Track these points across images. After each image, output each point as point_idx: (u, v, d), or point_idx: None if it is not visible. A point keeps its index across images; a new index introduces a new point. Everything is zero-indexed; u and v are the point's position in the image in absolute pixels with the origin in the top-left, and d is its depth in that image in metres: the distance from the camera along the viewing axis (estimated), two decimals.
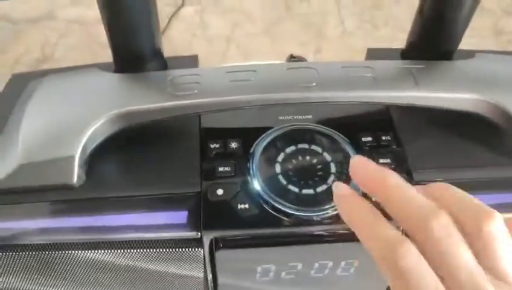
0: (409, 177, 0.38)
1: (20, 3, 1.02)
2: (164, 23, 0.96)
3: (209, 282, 0.41)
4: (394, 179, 0.27)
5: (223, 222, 0.36)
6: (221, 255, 0.38)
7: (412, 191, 0.27)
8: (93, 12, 0.39)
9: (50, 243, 0.37)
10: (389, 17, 0.94)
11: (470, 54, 0.45)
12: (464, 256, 0.24)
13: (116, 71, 0.44)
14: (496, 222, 0.25)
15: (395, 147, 0.41)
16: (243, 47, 0.94)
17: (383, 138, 0.41)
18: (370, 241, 0.26)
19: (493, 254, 0.24)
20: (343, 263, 0.40)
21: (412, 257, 0.23)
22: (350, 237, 0.37)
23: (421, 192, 0.27)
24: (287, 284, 0.42)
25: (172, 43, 0.93)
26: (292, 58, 0.52)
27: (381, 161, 0.39)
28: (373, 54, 0.49)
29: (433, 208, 0.25)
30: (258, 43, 0.95)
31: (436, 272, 0.24)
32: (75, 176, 0.37)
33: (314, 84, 0.39)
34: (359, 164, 0.29)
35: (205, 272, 0.40)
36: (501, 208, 0.38)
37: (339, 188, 0.29)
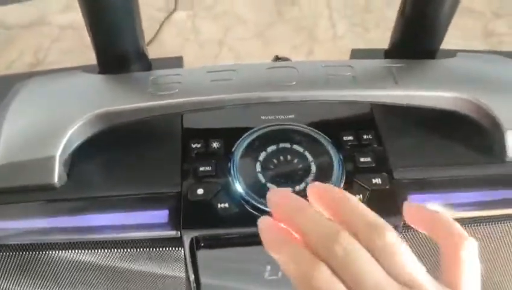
0: (390, 176, 0.39)
1: (13, 9, 1.02)
2: (156, 28, 0.96)
3: (191, 282, 0.41)
4: (289, 204, 0.29)
5: (203, 221, 0.36)
6: (202, 254, 0.38)
7: (313, 214, 0.28)
8: None
9: (31, 244, 0.37)
10: (380, 20, 0.94)
11: (451, 54, 0.45)
12: (370, 270, 0.25)
13: (101, 73, 0.44)
14: (388, 235, 0.26)
15: (376, 145, 0.41)
16: (235, 50, 0.94)
17: (364, 136, 0.41)
18: (287, 265, 0.27)
19: (396, 264, 0.26)
20: None
21: (323, 277, 0.25)
22: None
23: (323, 206, 0.29)
24: (270, 284, 0.42)
25: (164, 48, 0.93)
26: (277, 59, 0.52)
27: (362, 159, 0.40)
28: (357, 54, 0.49)
29: (332, 229, 0.27)
30: (250, 46, 0.96)
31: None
32: (56, 176, 0.37)
33: (294, 83, 0.39)
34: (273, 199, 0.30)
35: (187, 272, 0.40)
36: (481, 205, 0.38)
37: (261, 222, 0.30)
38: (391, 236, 0.26)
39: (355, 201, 0.29)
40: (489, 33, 1.02)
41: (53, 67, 0.51)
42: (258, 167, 0.39)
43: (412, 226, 0.30)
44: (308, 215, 0.28)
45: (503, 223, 0.39)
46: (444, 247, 0.28)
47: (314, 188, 0.30)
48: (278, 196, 0.30)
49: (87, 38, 0.42)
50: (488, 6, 1.06)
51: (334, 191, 0.29)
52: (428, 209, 0.30)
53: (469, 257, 0.27)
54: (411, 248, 0.39)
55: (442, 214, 0.29)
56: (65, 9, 1.03)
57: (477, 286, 0.27)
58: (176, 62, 0.48)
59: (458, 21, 1.08)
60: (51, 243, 0.37)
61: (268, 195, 0.30)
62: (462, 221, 0.38)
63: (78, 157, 0.39)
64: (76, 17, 1.04)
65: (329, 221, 0.28)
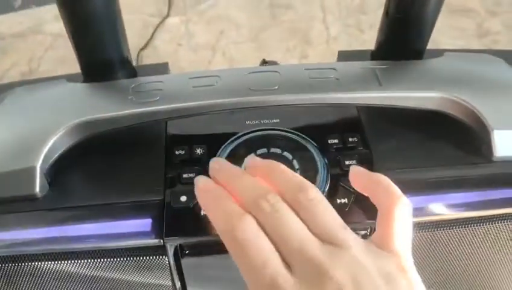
0: None
1: (7, 18, 1.03)
2: (149, 34, 0.96)
3: None
4: (229, 171, 0.33)
5: (186, 228, 0.36)
6: (187, 262, 0.37)
7: (247, 178, 0.31)
8: None
9: (13, 255, 0.36)
10: (374, 21, 0.94)
11: (439, 54, 0.45)
12: (295, 228, 0.27)
13: (85, 81, 0.44)
14: (310, 192, 0.28)
15: (361, 148, 0.40)
16: (229, 55, 0.94)
17: (350, 139, 0.41)
18: (216, 219, 0.29)
19: (319, 221, 0.27)
20: None
21: (249, 229, 0.27)
22: None
23: (253, 174, 0.32)
24: None
25: (157, 53, 0.93)
26: (265, 62, 0.52)
27: (347, 162, 0.39)
28: (343, 56, 0.49)
29: (263, 190, 0.29)
30: (243, 50, 0.96)
31: (275, 246, 0.27)
32: (38, 186, 0.37)
33: (276, 87, 0.39)
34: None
35: (173, 280, 0.39)
36: (469, 206, 0.38)
37: (198, 180, 0.33)
38: (314, 193, 0.28)
39: (283, 167, 0.31)
40: (484, 32, 1.01)
41: (47, 76, 0.50)
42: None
43: (357, 190, 0.33)
44: (243, 179, 0.31)
45: (493, 223, 0.38)
46: (379, 207, 0.30)
47: (251, 160, 0.34)
48: (219, 164, 0.33)
49: None
50: (483, 4, 1.05)
51: (267, 161, 0.32)
52: (370, 173, 0.32)
53: (401, 214, 0.28)
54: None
55: (381, 176, 0.31)
56: (59, 18, 1.03)
57: (408, 244, 0.28)
58: (162, 68, 0.48)
59: (452, 20, 1.07)
60: (33, 255, 0.36)
61: (210, 163, 0.34)
62: (451, 222, 0.38)
63: (60, 167, 0.38)
64: None
65: (261, 184, 0.30)
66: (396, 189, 0.30)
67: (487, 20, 1.02)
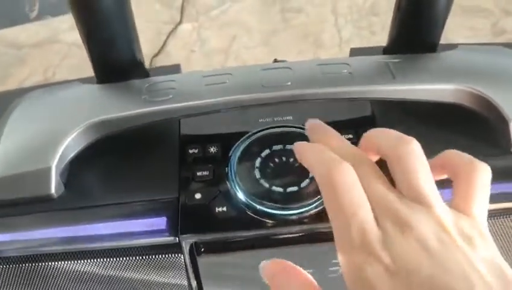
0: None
1: (23, 29, 1.05)
2: (162, 41, 0.97)
3: (194, 289, 0.40)
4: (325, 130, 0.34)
5: (201, 226, 0.36)
6: (203, 260, 0.37)
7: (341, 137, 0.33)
8: None
9: (30, 255, 0.37)
10: (386, 23, 0.93)
11: (452, 47, 0.44)
12: (385, 185, 0.28)
13: (98, 83, 0.44)
14: (412, 144, 0.29)
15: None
16: (241, 59, 0.94)
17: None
18: (315, 163, 0.30)
19: (409, 175, 0.28)
20: (329, 265, 0.39)
21: (346, 174, 0.27)
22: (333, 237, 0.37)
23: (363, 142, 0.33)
24: None
25: (170, 60, 0.94)
26: (276, 62, 0.52)
27: None
28: (356, 53, 0.49)
29: (359, 151, 0.31)
30: (256, 54, 0.96)
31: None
32: (53, 186, 0.37)
33: (289, 83, 0.39)
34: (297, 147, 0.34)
35: (188, 279, 0.39)
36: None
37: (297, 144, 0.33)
38: (416, 145, 0.29)
39: (383, 129, 0.32)
40: (498, 31, 1.00)
41: None
42: (256, 170, 0.38)
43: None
44: (341, 138, 0.33)
45: (509, 216, 0.37)
46: (458, 174, 0.29)
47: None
48: (314, 124, 0.35)
49: None
50: (497, 3, 1.04)
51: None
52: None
53: (482, 180, 0.28)
54: None
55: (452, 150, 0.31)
56: (73, 28, 1.04)
57: (486, 211, 0.28)
58: (174, 70, 0.48)
59: (467, 20, 1.06)
60: (50, 254, 0.37)
61: (306, 123, 0.36)
62: None
63: (75, 167, 0.39)
64: None
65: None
66: (474, 158, 0.30)
67: (502, 19, 1.01)
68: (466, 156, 0.30)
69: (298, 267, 0.30)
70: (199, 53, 0.96)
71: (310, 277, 0.29)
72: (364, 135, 0.33)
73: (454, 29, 0.98)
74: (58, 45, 1.01)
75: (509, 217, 0.37)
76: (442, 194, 0.31)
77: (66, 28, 1.04)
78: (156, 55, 0.93)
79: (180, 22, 1.02)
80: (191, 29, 1.02)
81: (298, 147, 0.33)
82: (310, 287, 0.28)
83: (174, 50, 0.97)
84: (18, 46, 1.02)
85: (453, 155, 0.31)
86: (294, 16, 1.05)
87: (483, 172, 0.29)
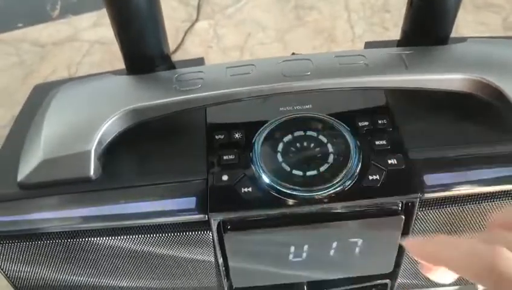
0: (405, 156, 0.40)
1: (46, 27, 1.08)
2: (180, 38, 1.00)
3: (220, 266, 0.43)
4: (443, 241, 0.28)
5: (228, 204, 0.39)
6: (229, 237, 0.40)
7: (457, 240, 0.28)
8: (113, 34, 0.43)
9: (72, 231, 0.40)
10: (398, 19, 0.95)
11: (462, 40, 0.47)
12: None
13: (128, 75, 0.47)
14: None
15: (391, 129, 0.43)
16: (257, 54, 0.97)
17: (379, 121, 0.43)
18: (461, 265, 0.26)
19: None
20: (347, 243, 0.42)
21: (508, 255, 0.25)
22: (352, 215, 0.40)
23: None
24: (295, 266, 0.44)
25: (188, 56, 0.96)
26: (293, 55, 0.54)
27: (377, 142, 0.41)
28: (371, 46, 0.51)
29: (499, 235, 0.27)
30: (271, 50, 0.98)
31: None
32: (92, 169, 0.40)
33: (309, 73, 0.41)
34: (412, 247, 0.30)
35: (215, 256, 0.42)
36: (494, 181, 0.39)
37: (408, 244, 0.30)
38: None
39: None
40: (509, 26, 1.01)
41: None
42: (278, 153, 0.41)
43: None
44: (461, 241, 0.27)
45: None
46: None
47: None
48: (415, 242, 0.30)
49: (114, 52, 0.46)
50: None
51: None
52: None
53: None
54: (426, 226, 0.41)
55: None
56: (94, 26, 1.08)
57: None
58: (198, 62, 0.51)
59: (477, 16, 1.08)
60: (88, 231, 0.40)
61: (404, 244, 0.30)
62: (478, 197, 0.40)
63: (112, 151, 0.42)
64: (105, 32, 1.09)
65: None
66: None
67: None
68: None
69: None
70: (216, 49, 0.99)
71: None
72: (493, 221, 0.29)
73: (466, 25, 1.00)
74: (79, 42, 1.05)
75: None
76: None
77: (87, 26, 1.08)
78: (175, 51, 0.96)
79: (196, 20, 1.05)
80: (208, 27, 1.04)
81: (416, 248, 0.29)
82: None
83: (192, 47, 1.00)
84: (41, 44, 1.06)
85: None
86: (307, 13, 1.07)
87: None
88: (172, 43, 1.06)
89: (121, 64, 0.50)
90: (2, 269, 0.42)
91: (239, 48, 0.98)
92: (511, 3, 1.04)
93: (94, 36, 1.05)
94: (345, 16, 1.06)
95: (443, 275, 0.29)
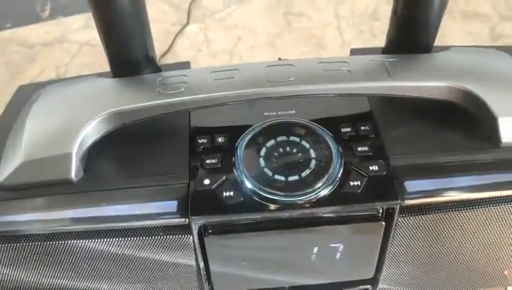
0: (386, 163, 0.40)
1: (35, 28, 1.08)
2: (170, 41, 1.00)
3: (201, 270, 0.43)
4: None
5: (210, 208, 0.39)
6: (210, 241, 0.40)
7: None
8: None
9: (51, 233, 0.40)
10: (387, 26, 0.96)
11: (445, 48, 0.47)
12: None
13: (113, 77, 0.47)
14: None
15: (373, 136, 0.43)
16: (246, 59, 0.97)
17: (362, 128, 0.43)
18: None
19: None
20: (328, 248, 0.42)
21: None
22: (333, 221, 0.40)
23: None
24: (277, 271, 0.44)
25: (178, 59, 0.97)
26: (279, 60, 0.55)
27: (359, 149, 0.42)
28: (356, 52, 0.52)
29: None
30: (260, 54, 0.99)
31: None
32: (73, 171, 0.40)
33: (292, 78, 0.42)
34: None
35: (197, 260, 0.42)
36: (474, 189, 0.40)
37: None
38: None
39: None
40: (496, 36, 1.03)
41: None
42: (261, 158, 0.41)
43: None
44: None
45: (499, 205, 0.40)
46: None
47: None
48: None
49: (103, 54, 0.46)
50: (496, 9, 1.07)
51: None
52: None
53: None
54: (406, 233, 0.41)
55: None
56: (84, 27, 1.08)
57: None
58: (184, 66, 0.51)
59: (465, 25, 1.09)
60: (68, 233, 0.40)
61: None
62: (458, 204, 0.40)
63: (93, 154, 0.42)
64: (95, 34, 1.09)
65: None
66: None
67: (499, 24, 1.04)
68: None
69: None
70: (205, 53, 0.99)
71: None
72: None
73: (454, 34, 1.02)
74: (68, 44, 1.05)
75: (502, 204, 0.40)
76: None
77: (76, 28, 1.08)
78: (164, 54, 0.97)
79: (187, 23, 1.05)
80: (198, 31, 1.05)
81: None
82: None
83: (182, 50, 1.00)
84: (29, 45, 1.05)
85: None
86: (297, 19, 1.08)
87: None
88: (162, 46, 1.06)
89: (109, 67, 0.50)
90: None
91: (228, 52, 0.99)
92: (499, 13, 1.06)
93: (84, 38, 1.04)
94: (334, 23, 1.06)
95: None
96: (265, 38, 1.03)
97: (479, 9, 1.07)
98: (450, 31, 1.04)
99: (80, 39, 1.05)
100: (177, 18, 1.07)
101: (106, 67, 0.49)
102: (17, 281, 0.43)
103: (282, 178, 0.40)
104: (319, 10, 1.10)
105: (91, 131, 0.41)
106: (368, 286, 0.48)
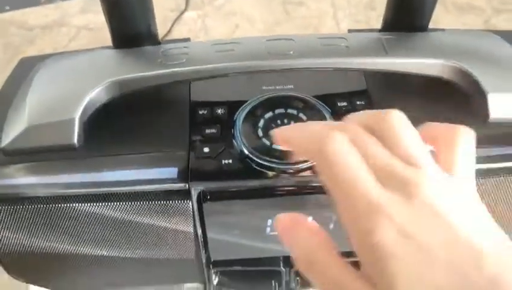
0: None
1: (34, 11, 1.08)
2: (168, 27, 1.01)
3: (199, 237, 0.44)
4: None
5: (209, 175, 0.40)
6: (208, 207, 0.41)
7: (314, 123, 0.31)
8: (100, 20, 0.43)
9: (54, 197, 0.41)
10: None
11: (440, 30, 0.49)
12: (379, 148, 0.27)
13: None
14: (394, 114, 0.29)
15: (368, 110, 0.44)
16: None
17: (357, 102, 0.45)
18: (303, 142, 0.29)
19: (399, 142, 0.27)
20: (322, 217, 0.43)
21: (340, 142, 0.27)
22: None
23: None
24: (271, 239, 0.45)
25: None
26: None
27: None
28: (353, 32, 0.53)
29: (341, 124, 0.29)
30: None
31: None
32: (76, 137, 0.41)
33: (291, 52, 0.43)
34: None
35: (195, 226, 0.43)
36: None
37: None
38: (397, 114, 0.29)
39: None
40: (490, 28, 1.04)
41: None
42: (259, 129, 0.42)
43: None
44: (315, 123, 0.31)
45: (489, 177, 0.42)
46: (439, 141, 0.29)
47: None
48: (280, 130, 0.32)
49: (101, 37, 0.47)
50: (489, 2, 1.09)
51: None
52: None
53: (465, 141, 0.29)
54: None
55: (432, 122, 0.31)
56: (82, 11, 1.08)
57: (473, 171, 0.28)
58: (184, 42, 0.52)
59: (459, 17, 1.11)
60: (70, 196, 0.41)
61: (272, 133, 0.32)
62: None
63: (95, 121, 0.42)
64: (93, 18, 1.09)
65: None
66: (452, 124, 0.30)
67: (493, 17, 1.06)
68: (446, 124, 0.31)
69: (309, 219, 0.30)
70: (203, 40, 1.00)
71: (317, 225, 0.29)
72: (347, 117, 0.32)
73: (448, 25, 1.03)
74: (67, 27, 1.05)
75: (492, 177, 0.42)
76: None
77: (74, 12, 1.08)
78: (162, 39, 0.98)
79: (185, 10, 1.06)
80: (196, 17, 1.06)
81: (280, 133, 0.32)
82: (318, 235, 0.28)
83: (179, 36, 1.01)
84: (28, 28, 1.06)
85: (433, 126, 0.31)
86: (295, 8, 1.09)
87: (464, 135, 0.29)
88: (159, 32, 1.07)
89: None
90: None
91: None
92: (492, 6, 1.08)
93: (81, 21, 1.05)
94: (331, 13, 1.08)
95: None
96: (263, 26, 1.04)
97: (473, 1, 1.09)
98: (444, 23, 1.05)
99: (77, 23, 1.05)
100: (175, 4, 1.08)
101: None
102: (18, 245, 0.44)
103: (279, 147, 0.41)
104: (315, 0, 1.12)
105: (94, 98, 0.42)
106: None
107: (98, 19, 0.45)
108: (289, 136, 0.31)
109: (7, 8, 1.09)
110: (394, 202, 0.24)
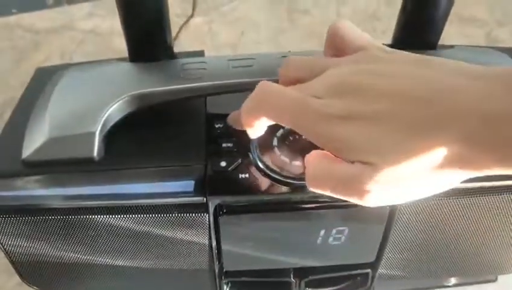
0: None
1: (41, 15, 1.09)
2: (175, 33, 1.02)
3: (213, 249, 0.45)
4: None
5: (225, 188, 0.41)
6: (224, 220, 0.42)
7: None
8: (107, 24, 0.44)
9: (72, 208, 0.41)
10: (387, 26, 0.99)
11: (449, 47, 0.50)
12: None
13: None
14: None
15: None
16: (249, 53, 0.99)
17: None
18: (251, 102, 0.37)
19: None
20: (335, 231, 0.44)
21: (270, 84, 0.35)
22: (341, 204, 0.42)
23: None
24: (285, 252, 0.46)
25: (183, 51, 0.98)
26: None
27: None
28: None
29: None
30: (263, 49, 1.01)
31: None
32: (96, 150, 0.42)
33: None
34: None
35: (210, 238, 0.44)
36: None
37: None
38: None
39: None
40: (492, 40, 1.06)
41: None
42: (275, 142, 0.43)
43: None
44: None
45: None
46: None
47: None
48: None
49: (107, 42, 0.47)
50: (492, 15, 1.10)
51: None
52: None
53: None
54: (411, 220, 0.43)
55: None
56: (89, 16, 1.09)
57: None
58: (199, 54, 0.53)
59: (463, 29, 1.12)
60: (89, 208, 0.42)
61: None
62: (460, 191, 0.43)
63: (115, 134, 0.43)
64: (100, 23, 1.09)
65: None
66: None
67: (495, 30, 1.07)
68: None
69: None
70: (210, 46, 1.01)
71: None
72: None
73: (452, 36, 1.04)
74: (73, 32, 1.06)
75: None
76: None
77: (81, 16, 1.09)
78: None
79: (192, 16, 1.07)
80: (202, 23, 1.07)
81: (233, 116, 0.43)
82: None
83: (186, 42, 1.02)
84: (34, 31, 1.06)
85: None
86: (301, 16, 1.10)
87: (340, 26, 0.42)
88: None
89: (114, 55, 0.52)
90: (1, 243, 0.43)
91: (232, 46, 1.01)
92: (495, 19, 1.09)
93: (88, 26, 1.06)
94: None
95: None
96: (268, 33, 1.05)
97: (476, 14, 1.10)
98: (446, 35, 1.07)
99: (85, 27, 1.06)
100: (182, 10, 1.09)
101: (110, 56, 0.51)
102: (36, 255, 0.45)
103: (296, 162, 0.42)
104: (321, 8, 1.13)
105: (114, 112, 0.43)
106: (368, 270, 0.50)
107: (105, 23, 0.46)
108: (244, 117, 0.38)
109: (14, 11, 1.09)
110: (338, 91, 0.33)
